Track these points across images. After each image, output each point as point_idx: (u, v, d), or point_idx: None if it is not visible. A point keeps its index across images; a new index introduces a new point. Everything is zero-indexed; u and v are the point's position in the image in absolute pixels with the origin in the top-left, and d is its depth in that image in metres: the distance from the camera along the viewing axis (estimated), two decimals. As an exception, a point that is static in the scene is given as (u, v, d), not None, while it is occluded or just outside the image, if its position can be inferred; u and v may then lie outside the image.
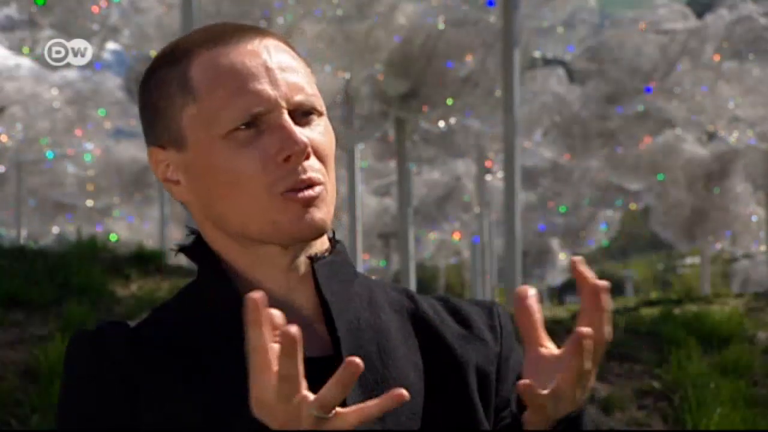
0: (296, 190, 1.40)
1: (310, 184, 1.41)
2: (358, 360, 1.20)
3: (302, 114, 1.43)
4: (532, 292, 1.35)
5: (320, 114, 1.45)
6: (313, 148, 1.42)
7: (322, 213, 1.42)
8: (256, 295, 1.21)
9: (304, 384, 1.22)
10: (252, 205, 1.41)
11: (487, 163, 24.10)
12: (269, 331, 1.21)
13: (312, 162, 1.42)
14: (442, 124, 17.26)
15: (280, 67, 1.43)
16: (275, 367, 1.20)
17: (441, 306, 1.54)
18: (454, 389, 1.46)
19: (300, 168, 1.40)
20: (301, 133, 1.40)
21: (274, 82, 1.41)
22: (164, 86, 1.45)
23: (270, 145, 1.40)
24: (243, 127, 1.40)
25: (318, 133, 1.43)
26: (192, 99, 1.42)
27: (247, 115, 1.40)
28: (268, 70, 1.42)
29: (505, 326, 1.54)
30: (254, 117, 1.40)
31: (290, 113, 1.42)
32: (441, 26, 15.17)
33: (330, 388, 1.21)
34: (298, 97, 1.42)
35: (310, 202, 1.41)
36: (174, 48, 1.47)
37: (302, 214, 1.41)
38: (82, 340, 1.43)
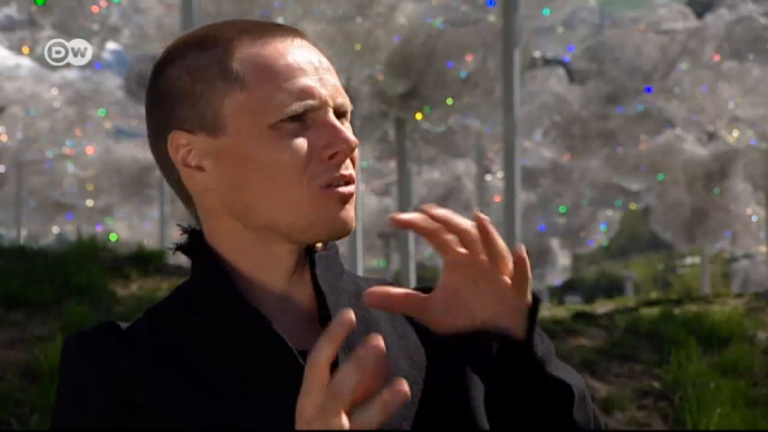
0: (336, 186, 1.42)
1: (349, 181, 1.43)
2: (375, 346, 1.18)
3: (339, 115, 1.46)
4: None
5: (347, 118, 1.47)
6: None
7: (353, 213, 1.44)
8: (350, 316, 1.19)
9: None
10: (289, 197, 1.41)
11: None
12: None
13: (349, 162, 1.44)
14: (441, 124, 17.27)
15: (324, 67, 1.46)
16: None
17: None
18: (446, 376, 1.47)
19: (343, 166, 1.43)
20: (348, 132, 1.43)
21: (323, 81, 1.44)
22: (199, 71, 1.44)
23: (318, 139, 1.42)
24: (289, 119, 1.41)
25: (351, 135, 1.46)
26: (239, 87, 1.42)
27: (300, 108, 1.41)
28: (316, 68, 1.44)
29: None
30: (304, 111, 1.42)
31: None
32: (438, 24, 15.16)
33: (373, 414, 1.17)
34: (340, 99, 1.45)
35: (347, 200, 1.43)
36: (204, 36, 1.47)
37: (338, 212, 1.42)
38: (76, 343, 1.43)
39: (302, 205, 1.41)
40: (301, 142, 1.41)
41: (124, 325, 1.45)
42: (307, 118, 1.42)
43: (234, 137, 1.42)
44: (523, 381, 1.36)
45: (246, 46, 1.44)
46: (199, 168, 1.45)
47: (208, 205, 1.47)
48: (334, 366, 1.40)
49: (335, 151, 1.41)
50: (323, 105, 1.42)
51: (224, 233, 1.46)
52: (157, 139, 1.48)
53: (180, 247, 1.50)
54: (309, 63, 1.44)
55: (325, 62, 1.46)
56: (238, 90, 1.42)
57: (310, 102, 1.41)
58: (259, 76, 1.42)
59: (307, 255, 1.47)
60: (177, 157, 1.46)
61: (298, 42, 1.46)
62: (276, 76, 1.42)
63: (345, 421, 1.16)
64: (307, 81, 1.42)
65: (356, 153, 1.46)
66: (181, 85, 1.45)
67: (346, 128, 1.45)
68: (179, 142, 1.45)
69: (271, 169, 1.41)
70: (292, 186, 1.41)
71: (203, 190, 1.46)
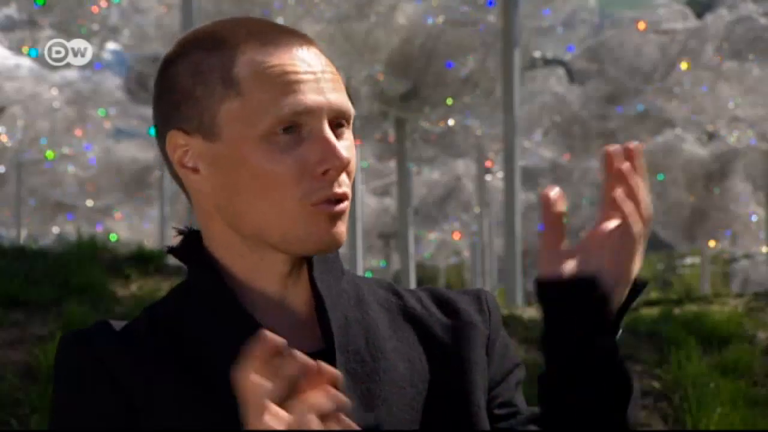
0: (328, 203, 1.40)
1: (341, 198, 1.41)
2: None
3: (337, 125, 1.43)
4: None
5: (349, 127, 1.45)
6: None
7: (344, 227, 1.43)
8: (271, 340, 1.20)
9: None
10: (280, 210, 1.40)
11: (488, 163, 24.12)
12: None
13: (343, 177, 1.42)
14: (441, 124, 17.28)
15: (325, 77, 1.43)
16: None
17: (428, 298, 1.55)
18: (447, 381, 1.47)
19: (336, 183, 1.41)
20: (342, 147, 1.41)
21: (320, 91, 1.41)
22: (202, 73, 1.43)
23: (310, 154, 1.40)
24: (282, 131, 1.40)
25: (346, 147, 1.43)
26: (235, 93, 1.41)
27: (291, 120, 1.39)
28: (316, 79, 1.42)
29: (493, 310, 1.55)
30: (297, 123, 1.40)
31: (329, 123, 1.42)
32: (440, 21, 15.17)
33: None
34: (339, 110, 1.43)
35: (338, 216, 1.41)
36: (213, 35, 1.45)
37: (329, 228, 1.41)
38: (71, 342, 1.43)
39: (292, 220, 1.40)
40: (294, 156, 1.39)
41: (120, 324, 1.45)
42: (302, 130, 1.40)
43: (228, 144, 1.41)
44: (595, 349, 1.38)
45: (250, 52, 1.42)
46: (195, 170, 1.44)
47: (202, 206, 1.47)
48: (331, 362, 1.40)
49: (327, 167, 1.39)
50: (319, 118, 1.40)
51: (218, 235, 1.46)
52: (160, 134, 1.48)
53: (172, 250, 1.50)
54: (309, 73, 1.41)
55: (329, 71, 1.44)
56: (234, 97, 1.41)
57: (303, 115, 1.39)
58: (255, 86, 1.40)
59: (304, 258, 1.46)
60: (174, 157, 1.45)
61: (303, 50, 1.43)
62: (272, 87, 1.40)
63: (269, 419, 1.17)
64: (302, 93, 1.40)
65: (352, 165, 1.43)
66: (183, 85, 1.44)
67: (344, 139, 1.43)
68: (177, 142, 1.45)
69: (262, 181, 1.39)
70: (283, 200, 1.39)
71: (198, 192, 1.46)
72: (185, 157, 1.45)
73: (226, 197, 1.43)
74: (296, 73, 1.41)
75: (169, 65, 1.46)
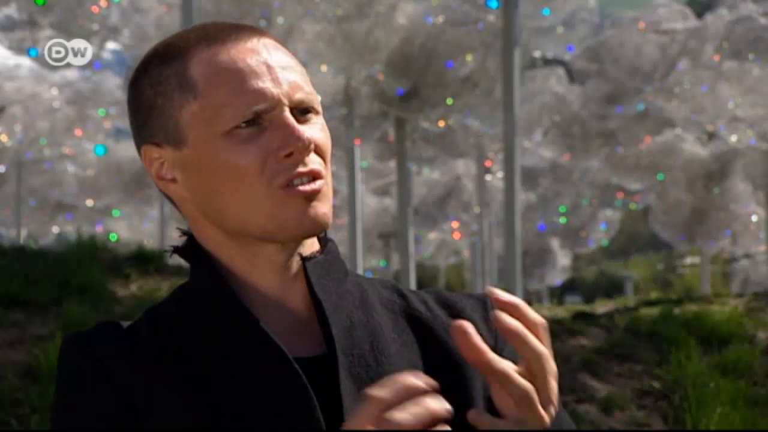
0: (298, 184, 1.40)
1: (312, 176, 1.41)
2: None
3: (301, 112, 1.44)
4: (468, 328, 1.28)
5: (317, 112, 1.46)
6: (313, 144, 1.42)
7: (325, 208, 1.43)
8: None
9: None
10: (253, 201, 1.41)
11: (488, 163, 24.12)
12: None
13: (312, 156, 1.42)
14: (442, 124, 17.27)
15: (280, 65, 1.44)
16: None
17: (433, 301, 1.54)
18: (450, 385, 1.46)
19: (301, 164, 1.41)
20: (304, 130, 1.41)
21: (275, 80, 1.42)
22: (161, 84, 1.45)
23: (272, 141, 1.40)
24: (244, 124, 1.41)
25: (317, 130, 1.44)
26: (193, 96, 1.42)
27: (250, 113, 1.40)
28: (269, 68, 1.43)
29: None
30: (257, 114, 1.41)
31: (290, 111, 1.42)
32: (440, 21, 15.17)
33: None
34: (299, 95, 1.43)
35: (313, 197, 1.41)
36: (167, 47, 1.47)
37: (305, 209, 1.41)
38: (74, 341, 1.43)
39: (267, 208, 1.40)
40: (257, 146, 1.40)
41: (124, 324, 1.45)
42: (262, 120, 1.41)
43: (194, 148, 1.43)
44: None
45: (201, 54, 1.43)
46: (173, 180, 1.46)
47: (189, 214, 1.48)
48: (334, 366, 1.40)
49: (290, 150, 1.40)
50: (277, 105, 1.41)
51: (211, 238, 1.47)
52: (138, 151, 1.49)
53: (177, 250, 1.50)
54: (261, 63, 1.42)
55: (284, 59, 1.44)
56: (192, 100, 1.42)
57: (262, 105, 1.40)
58: (210, 85, 1.42)
59: (300, 258, 1.46)
60: (152, 171, 1.47)
61: (254, 43, 1.44)
62: (226, 82, 1.41)
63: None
64: (257, 83, 1.41)
65: (324, 145, 1.44)
66: (146, 99, 1.46)
67: (312, 124, 1.44)
68: (152, 156, 1.47)
69: (230, 175, 1.40)
70: (253, 190, 1.40)
71: (182, 200, 1.47)
72: (162, 169, 1.47)
73: (205, 199, 1.44)
74: (249, 66, 1.42)
75: (133, 83, 1.49)
